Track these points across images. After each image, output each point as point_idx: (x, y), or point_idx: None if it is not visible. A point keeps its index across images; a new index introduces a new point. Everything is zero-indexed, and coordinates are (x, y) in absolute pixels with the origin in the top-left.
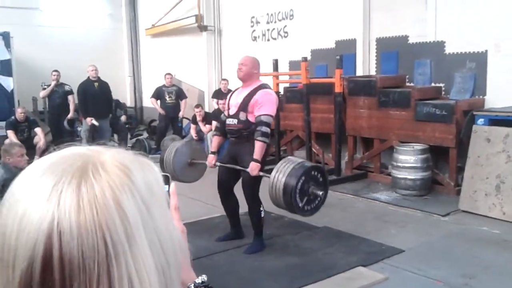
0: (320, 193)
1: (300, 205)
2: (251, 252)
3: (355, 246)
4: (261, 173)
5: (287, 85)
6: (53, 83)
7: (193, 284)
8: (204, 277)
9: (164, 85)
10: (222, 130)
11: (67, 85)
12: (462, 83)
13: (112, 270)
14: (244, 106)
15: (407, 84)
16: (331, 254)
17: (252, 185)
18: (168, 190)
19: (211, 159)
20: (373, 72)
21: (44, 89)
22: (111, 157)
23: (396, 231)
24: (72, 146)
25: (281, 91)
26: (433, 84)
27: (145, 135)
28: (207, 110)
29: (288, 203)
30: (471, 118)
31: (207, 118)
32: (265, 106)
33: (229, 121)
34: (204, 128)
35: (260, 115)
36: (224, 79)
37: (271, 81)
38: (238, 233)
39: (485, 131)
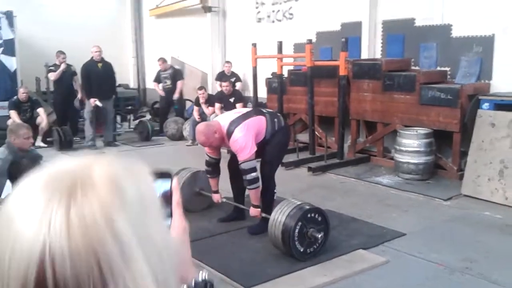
0: (319, 235)
1: (301, 249)
2: (256, 232)
3: (356, 229)
4: (263, 214)
5: (291, 67)
6: (62, 66)
7: (193, 281)
8: (205, 274)
9: (160, 70)
10: (215, 171)
11: (71, 66)
12: (468, 67)
13: None
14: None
15: (413, 67)
16: (333, 237)
17: (272, 167)
18: (171, 186)
19: (216, 198)
20: (378, 55)
21: (50, 70)
22: (100, 172)
23: (397, 214)
24: (60, 161)
25: (285, 73)
26: (438, 68)
27: (148, 116)
28: (210, 92)
29: (288, 251)
30: (476, 103)
31: (210, 100)
32: (240, 154)
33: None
34: (207, 110)
35: (240, 165)
36: (228, 62)
37: (275, 63)
38: (240, 214)
39: (490, 116)
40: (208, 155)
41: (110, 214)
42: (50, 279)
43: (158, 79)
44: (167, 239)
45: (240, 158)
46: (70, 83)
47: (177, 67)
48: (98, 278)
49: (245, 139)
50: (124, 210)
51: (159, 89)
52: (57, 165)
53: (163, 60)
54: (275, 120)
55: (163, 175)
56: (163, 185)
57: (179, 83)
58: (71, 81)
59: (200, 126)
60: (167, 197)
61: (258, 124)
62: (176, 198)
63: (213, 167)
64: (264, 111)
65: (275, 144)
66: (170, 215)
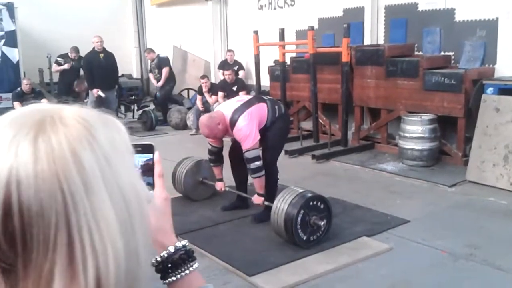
0: (322, 223)
1: (304, 237)
2: (259, 220)
3: (360, 216)
4: (266, 203)
5: (294, 55)
6: (66, 65)
7: (173, 247)
8: (185, 242)
9: (150, 61)
10: (218, 159)
11: (82, 58)
12: (472, 52)
13: (71, 218)
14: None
15: (416, 53)
16: (336, 224)
17: (274, 153)
18: (153, 159)
19: (219, 186)
20: (381, 41)
21: (58, 62)
22: (72, 112)
23: (402, 201)
24: (35, 104)
25: (288, 61)
26: (442, 53)
27: (152, 106)
28: (213, 80)
29: (291, 239)
30: (480, 87)
31: (213, 89)
32: (244, 142)
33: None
34: (210, 99)
35: (244, 153)
36: (230, 50)
37: (278, 51)
38: (243, 203)
39: (494, 101)
40: (210, 144)
41: (77, 149)
42: (15, 202)
43: (150, 70)
44: (136, 188)
45: (244, 146)
46: (75, 75)
47: (162, 55)
48: (60, 204)
49: (249, 128)
50: (91, 149)
51: (152, 79)
52: (30, 106)
53: (148, 51)
54: (276, 107)
55: (145, 147)
56: (145, 157)
57: (164, 71)
58: (76, 73)
59: (203, 119)
60: (148, 167)
61: (261, 111)
62: (158, 170)
63: (216, 156)
64: (265, 98)
65: (276, 131)
66: (153, 186)
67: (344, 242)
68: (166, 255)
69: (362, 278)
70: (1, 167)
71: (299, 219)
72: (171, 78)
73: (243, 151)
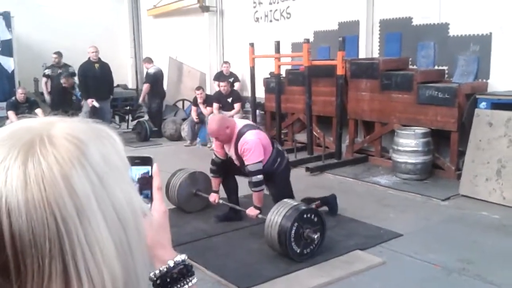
0: (315, 236)
1: (298, 250)
2: (223, 219)
3: (353, 229)
4: (259, 216)
5: (289, 67)
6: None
7: (173, 262)
8: (184, 256)
9: None
10: (219, 171)
11: (70, 66)
12: (465, 66)
13: (64, 245)
14: (241, 160)
15: (410, 66)
16: (330, 237)
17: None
18: (151, 171)
19: (213, 198)
20: (376, 54)
21: (48, 76)
22: (62, 129)
23: (395, 215)
24: (25, 119)
25: (283, 73)
26: (436, 67)
27: (146, 117)
28: (208, 92)
29: (284, 252)
30: (473, 102)
31: (208, 100)
32: (248, 156)
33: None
34: (205, 110)
35: (247, 166)
36: (226, 62)
37: (273, 63)
38: (236, 215)
39: (487, 115)
40: (215, 155)
41: (68, 170)
42: (7, 231)
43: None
44: (132, 204)
45: (248, 160)
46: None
47: (150, 70)
48: (53, 232)
49: (255, 143)
50: (83, 170)
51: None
52: (19, 123)
53: (146, 60)
54: (278, 159)
55: (144, 160)
56: (142, 170)
57: (144, 86)
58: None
59: (216, 116)
60: (146, 180)
61: (267, 145)
62: (157, 183)
63: (218, 167)
64: (275, 144)
65: (281, 180)
66: (151, 199)
67: (338, 256)
68: (165, 270)
69: None
70: None
71: (292, 232)
72: (155, 94)
73: (246, 165)
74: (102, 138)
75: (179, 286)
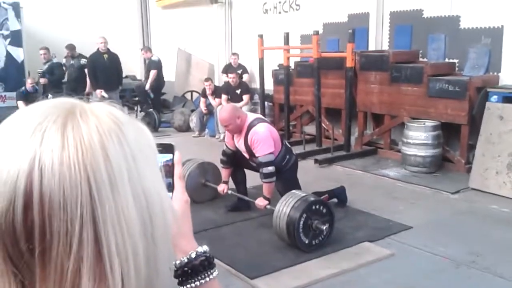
0: (324, 227)
1: (306, 241)
2: (233, 208)
3: (362, 221)
4: (268, 207)
5: (298, 59)
6: (42, 80)
7: (195, 253)
8: (206, 247)
9: None
10: (229, 162)
11: (84, 57)
12: (476, 59)
13: (97, 212)
14: (250, 152)
15: (421, 59)
16: (338, 229)
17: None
18: (173, 159)
19: (222, 189)
20: (385, 46)
21: (41, 73)
22: (101, 106)
23: (404, 207)
24: (60, 97)
25: (292, 65)
26: (447, 60)
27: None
28: (216, 83)
29: (293, 243)
30: (484, 95)
31: (217, 91)
32: (259, 147)
33: (253, 163)
34: (214, 101)
35: (258, 158)
36: (235, 54)
37: (282, 55)
38: (245, 205)
39: (498, 109)
40: (226, 145)
41: (107, 141)
42: (37, 190)
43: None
44: (159, 193)
45: (258, 152)
46: (78, 75)
47: (154, 57)
48: (87, 197)
49: (265, 135)
50: (120, 145)
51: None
52: (58, 99)
53: (145, 50)
54: (287, 156)
55: (165, 147)
56: (165, 158)
57: (151, 73)
58: (81, 73)
59: (229, 105)
60: (168, 168)
61: (277, 140)
62: (178, 171)
63: (228, 158)
64: (284, 141)
65: (289, 177)
66: (172, 187)
67: (346, 247)
68: (186, 260)
69: (364, 284)
70: (24, 153)
71: (301, 223)
72: (158, 83)
73: (257, 157)
74: (137, 125)
75: (200, 278)
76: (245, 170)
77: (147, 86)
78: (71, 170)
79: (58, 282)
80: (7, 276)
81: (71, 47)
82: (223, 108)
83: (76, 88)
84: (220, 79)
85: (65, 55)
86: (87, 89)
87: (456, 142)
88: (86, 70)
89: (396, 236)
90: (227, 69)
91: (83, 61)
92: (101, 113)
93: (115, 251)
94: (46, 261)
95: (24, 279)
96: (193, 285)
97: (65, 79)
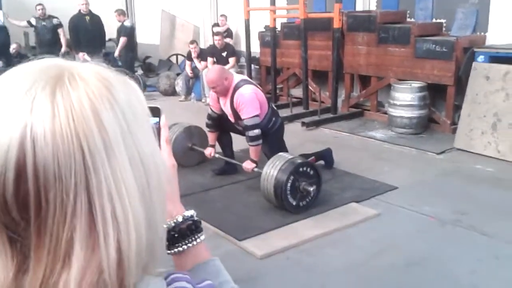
0: (311, 189)
1: (294, 203)
2: (220, 172)
3: (349, 183)
4: (255, 169)
5: (285, 20)
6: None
7: (181, 217)
8: (192, 212)
9: None
10: (215, 125)
11: (55, 18)
12: (463, 19)
13: (91, 181)
14: (236, 115)
15: (408, 19)
16: (325, 190)
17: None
18: (159, 122)
19: (209, 152)
20: (373, 7)
21: (29, 23)
22: (91, 68)
23: (390, 168)
24: (48, 58)
25: (278, 26)
26: (434, 20)
27: (140, 71)
28: (202, 46)
29: (280, 205)
30: (471, 56)
31: (203, 54)
32: (244, 109)
33: (239, 127)
34: (199, 64)
35: (244, 120)
36: (223, 15)
37: (268, 16)
38: (232, 168)
39: (484, 69)
40: (211, 109)
41: (99, 106)
42: (30, 161)
43: None
44: (154, 155)
45: (244, 114)
46: (52, 36)
47: (126, 23)
48: (80, 165)
49: (251, 97)
50: (113, 110)
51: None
52: (44, 60)
53: (119, 12)
54: (273, 118)
55: (152, 110)
56: (151, 121)
57: (121, 40)
58: (54, 34)
59: (216, 66)
60: (155, 132)
61: (263, 103)
62: (165, 135)
63: (214, 121)
64: (271, 104)
65: (275, 139)
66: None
67: (333, 208)
68: (173, 224)
69: (351, 243)
70: (14, 123)
71: (288, 184)
72: (129, 48)
73: (243, 119)
74: (127, 85)
75: (187, 241)
76: (232, 135)
77: (116, 53)
78: (63, 139)
79: (53, 250)
80: (2, 241)
81: (42, 6)
82: (210, 69)
83: (52, 53)
84: (206, 41)
85: (37, 15)
86: (63, 49)
87: (442, 103)
88: (59, 30)
89: (382, 197)
90: (213, 52)
91: (55, 21)
92: (89, 76)
93: (110, 220)
94: (41, 230)
95: (21, 245)
96: (180, 249)
97: (35, 42)
